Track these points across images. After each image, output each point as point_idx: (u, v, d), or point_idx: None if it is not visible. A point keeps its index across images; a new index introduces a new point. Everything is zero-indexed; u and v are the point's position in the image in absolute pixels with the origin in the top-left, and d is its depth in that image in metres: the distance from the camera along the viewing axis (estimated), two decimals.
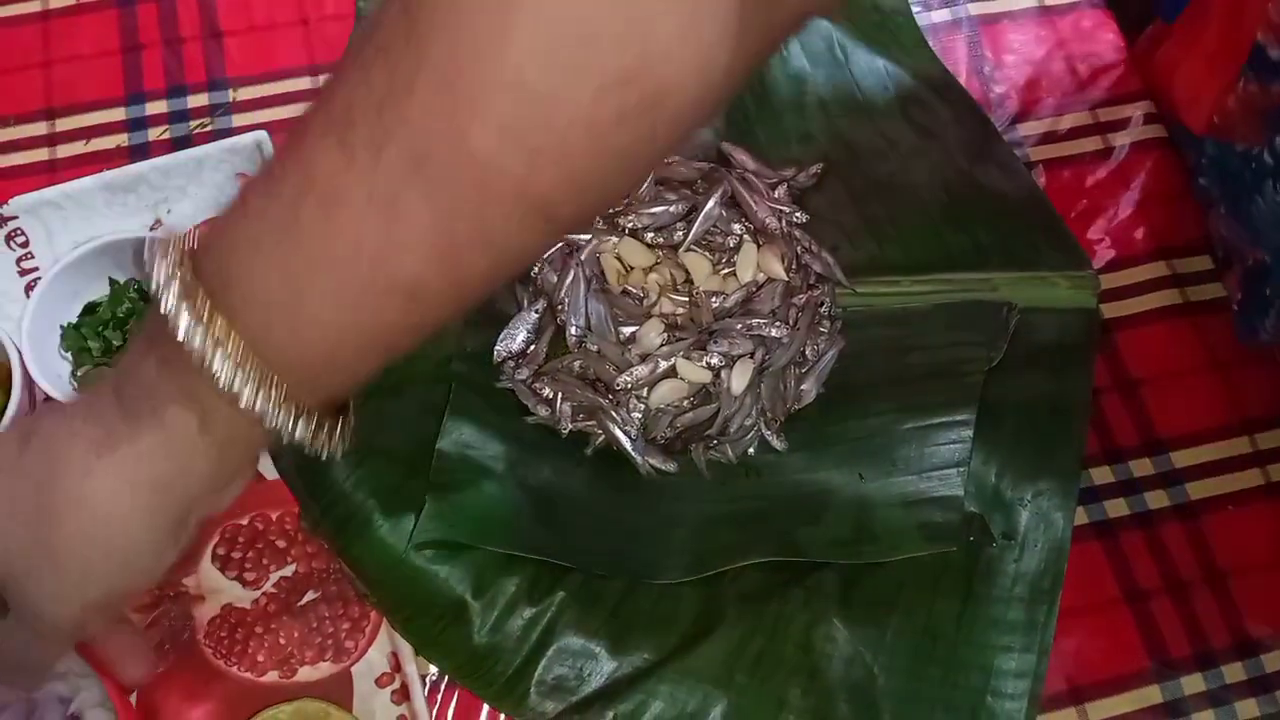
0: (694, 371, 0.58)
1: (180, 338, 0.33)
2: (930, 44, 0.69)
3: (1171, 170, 0.68)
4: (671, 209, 0.62)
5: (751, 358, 0.59)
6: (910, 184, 0.64)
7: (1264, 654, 0.57)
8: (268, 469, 0.58)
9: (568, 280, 0.60)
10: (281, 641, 0.56)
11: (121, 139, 0.67)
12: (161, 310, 0.33)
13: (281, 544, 0.58)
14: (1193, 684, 0.56)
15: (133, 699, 0.54)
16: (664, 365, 0.58)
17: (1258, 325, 0.57)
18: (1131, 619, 0.57)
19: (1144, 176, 0.68)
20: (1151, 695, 0.56)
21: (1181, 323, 0.64)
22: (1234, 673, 0.56)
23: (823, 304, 0.61)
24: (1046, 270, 0.61)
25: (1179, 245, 0.66)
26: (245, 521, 0.58)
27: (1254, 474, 0.60)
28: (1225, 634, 0.57)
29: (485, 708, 0.54)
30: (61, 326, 0.59)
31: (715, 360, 0.58)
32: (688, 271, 0.62)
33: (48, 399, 0.58)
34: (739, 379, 0.58)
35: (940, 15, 0.72)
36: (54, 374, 0.57)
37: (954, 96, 0.66)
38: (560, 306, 0.61)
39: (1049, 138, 0.69)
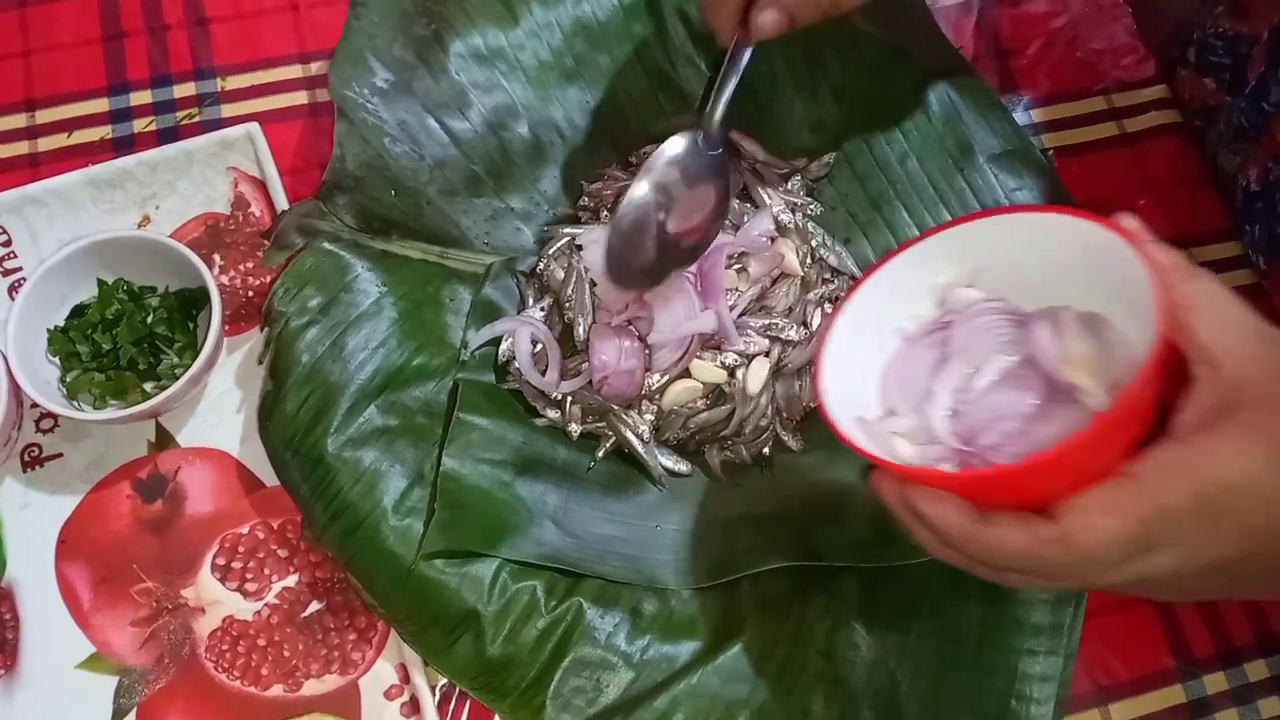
0: (708, 372, 0.57)
1: None
2: (943, 28, 0.67)
3: (1189, 156, 0.67)
4: None
5: (767, 356, 0.57)
6: (925, 173, 0.62)
7: None
8: (268, 476, 0.56)
9: (572, 278, 0.59)
10: (286, 654, 0.54)
11: (105, 131, 0.64)
12: None
13: (283, 553, 0.56)
14: (1215, 682, 0.55)
15: (131, 718, 0.52)
16: (678, 366, 0.57)
17: None
18: (1155, 618, 0.56)
19: (1161, 162, 0.67)
20: (1175, 695, 0.55)
21: None
22: (1257, 670, 0.56)
23: (837, 299, 0.60)
24: None
25: (1199, 232, 0.65)
26: (245, 530, 0.56)
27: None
28: (1248, 632, 0.56)
29: (497, 718, 0.53)
30: (48, 330, 0.56)
31: (730, 359, 0.56)
32: None
33: (35, 405, 0.56)
34: (755, 379, 0.56)
35: None
36: (41, 380, 0.55)
37: (968, 82, 0.64)
38: (567, 304, 0.59)
39: (1063, 123, 0.68)
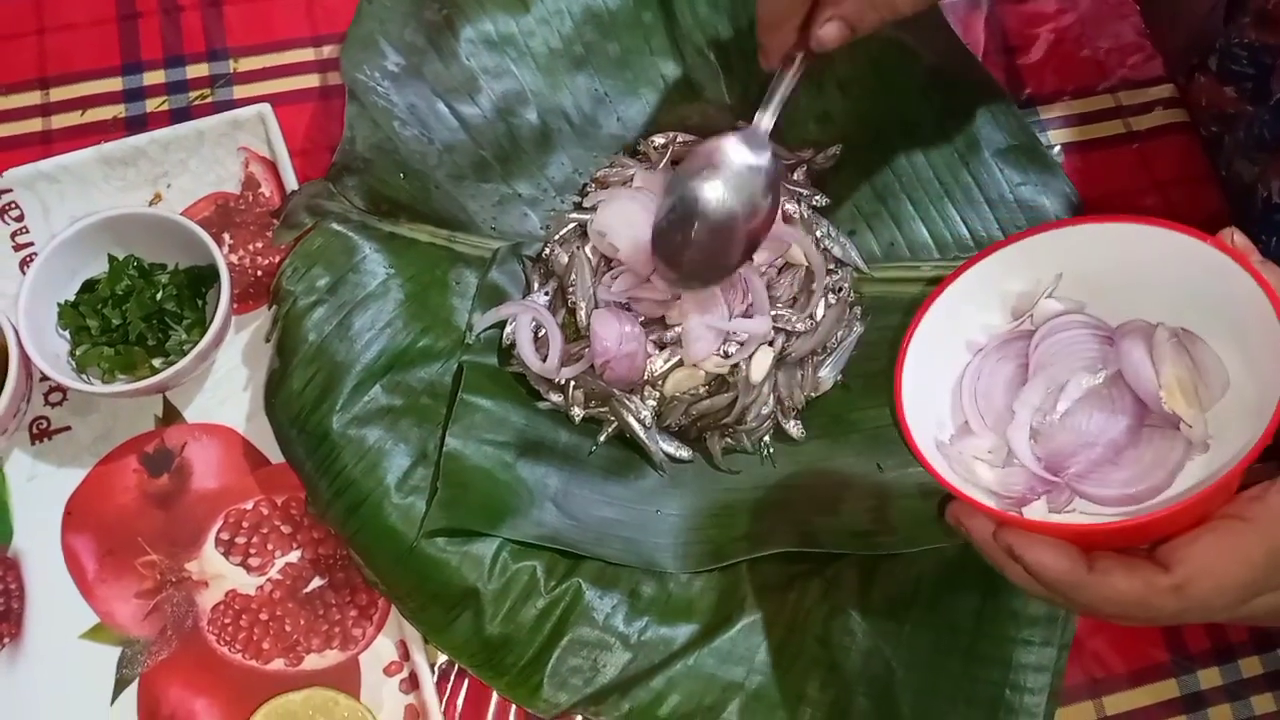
0: (711, 362, 0.57)
1: None
2: (951, 23, 0.67)
3: (1194, 155, 0.67)
4: None
5: (771, 345, 0.57)
6: (930, 166, 0.62)
7: None
8: (273, 453, 0.57)
9: (576, 264, 0.59)
10: (287, 629, 0.55)
11: (118, 110, 0.64)
12: None
13: (286, 529, 0.56)
14: (1210, 678, 0.56)
15: (134, 688, 0.53)
16: (680, 354, 0.57)
17: None
18: None
19: (1166, 161, 0.67)
20: (1169, 689, 0.55)
21: None
22: (1251, 667, 0.56)
23: (840, 289, 0.60)
24: None
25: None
26: (249, 506, 0.57)
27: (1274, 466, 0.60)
28: (1243, 629, 0.56)
29: (495, 697, 0.53)
30: (59, 304, 0.57)
31: (733, 350, 0.57)
32: None
33: (44, 378, 0.56)
34: (758, 368, 0.57)
35: None
36: (51, 353, 0.55)
37: (975, 77, 0.64)
38: (570, 289, 0.59)
39: (1070, 120, 0.68)
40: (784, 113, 0.52)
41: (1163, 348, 0.39)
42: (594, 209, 0.60)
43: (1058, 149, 0.67)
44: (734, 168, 0.52)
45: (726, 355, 0.57)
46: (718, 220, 0.52)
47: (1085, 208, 0.62)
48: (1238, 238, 0.37)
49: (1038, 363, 0.41)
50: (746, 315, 0.57)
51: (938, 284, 0.42)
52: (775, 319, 0.57)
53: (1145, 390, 0.39)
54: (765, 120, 0.52)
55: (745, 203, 0.52)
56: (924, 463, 0.38)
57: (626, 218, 0.57)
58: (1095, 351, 0.41)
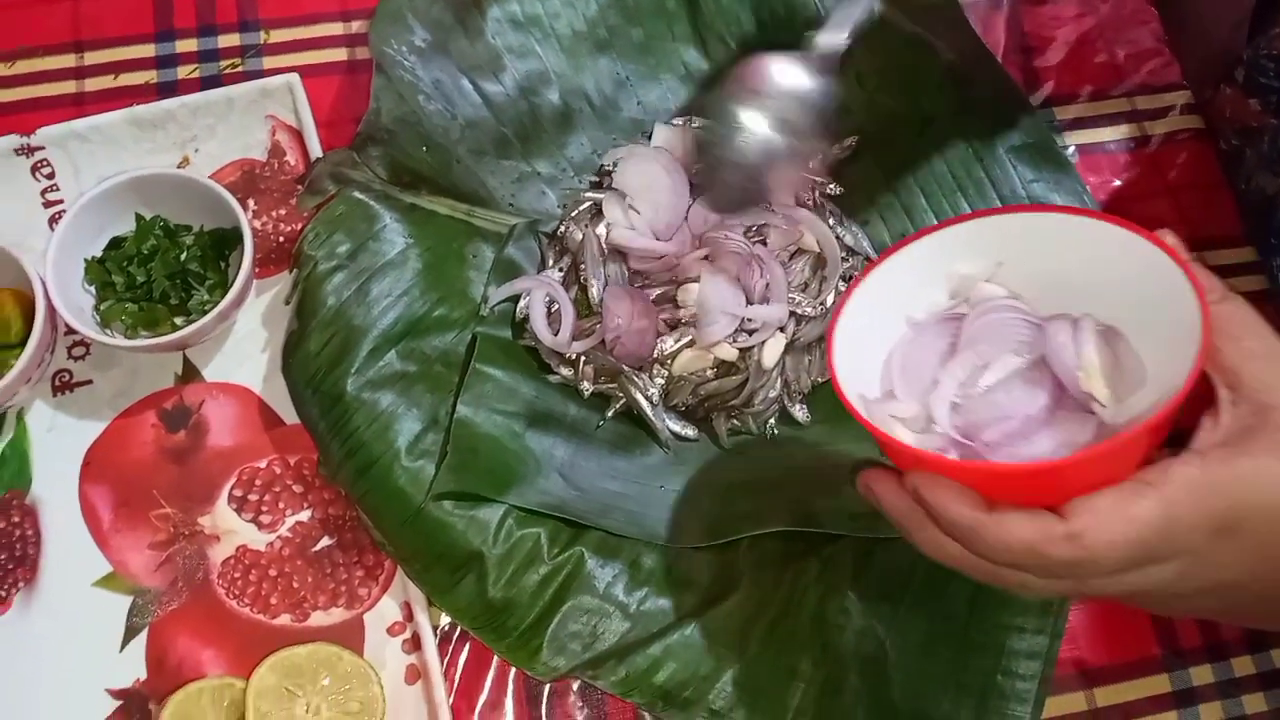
0: (722, 349, 0.58)
1: None
2: (971, 22, 0.68)
3: (1207, 162, 0.68)
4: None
5: (783, 331, 0.58)
6: (945, 161, 0.63)
7: (1274, 649, 0.57)
8: (288, 414, 0.58)
9: (589, 241, 0.60)
10: (295, 585, 0.56)
11: (150, 75, 0.66)
12: None
13: (298, 489, 0.58)
14: (1202, 675, 0.56)
15: (143, 636, 0.54)
16: (690, 335, 0.58)
17: None
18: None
19: (1179, 166, 0.68)
20: (1160, 684, 0.56)
21: None
22: (1243, 666, 0.57)
23: (851, 277, 0.61)
24: None
25: (1212, 236, 0.66)
26: (263, 465, 0.58)
27: None
28: (1237, 627, 0.57)
29: (496, 660, 0.54)
30: (85, 260, 0.58)
31: (744, 339, 0.58)
32: None
33: (69, 330, 0.58)
34: (770, 353, 0.58)
35: None
36: (77, 307, 0.57)
37: (992, 75, 0.65)
38: (582, 266, 0.60)
39: (1085, 122, 0.69)
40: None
41: (1087, 336, 0.40)
42: (614, 165, 0.61)
43: (1072, 149, 0.68)
44: (783, 90, 0.49)
45: (738, 341, 0.58)
46: (755, 148, 0.50)
47: (1097, 209, 0.63)
48: (1170, 236, 0.39)
49: (967, 339, 0.43)
50: (763, 300, 0.58)
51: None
52: (790, 301, 0.58)
53: (1065, 369, 0.40)
54: (827, 39, 0.47)
55: (789, 133, 0.49)
56: (847, 403, 0.39)
57: (647, 178, 0.59)
58: (1025, 335, 0.42)
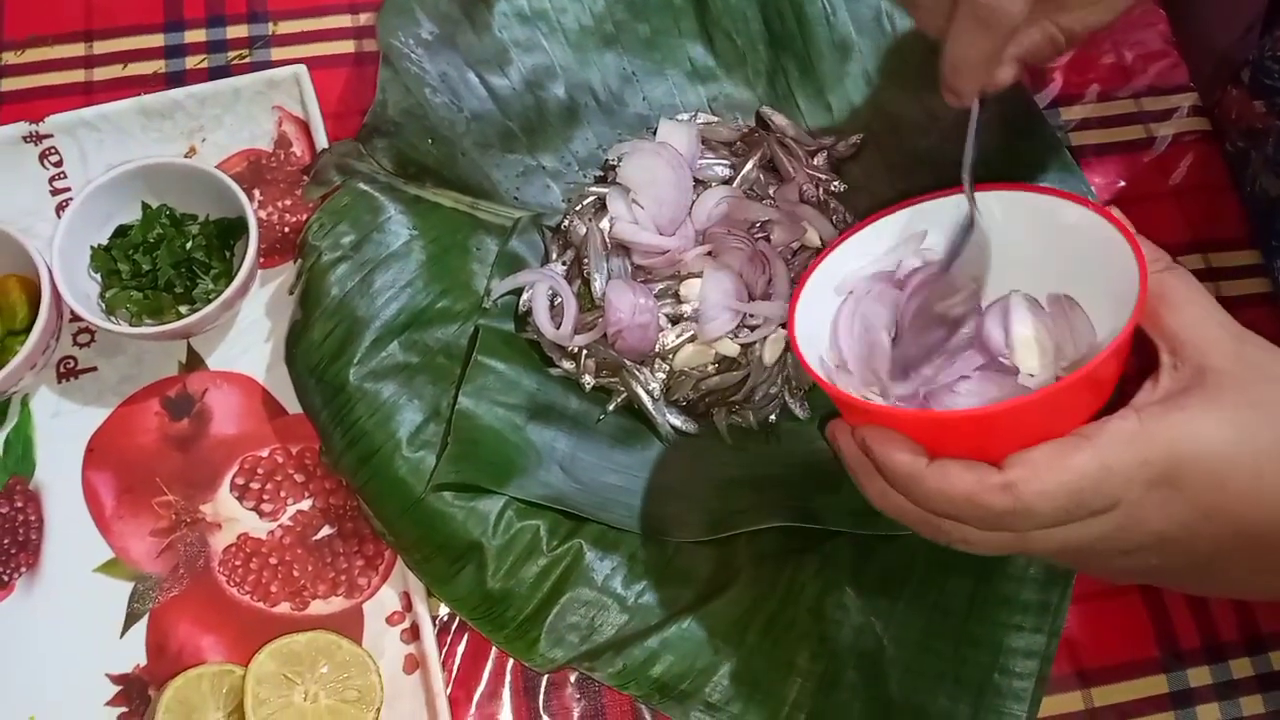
0: (724, 345, 0.58)
1: None
2: None
3: (1213, 164, 0.68)
4: (711, 169, 0.62)
5: (784, 327, 0.58)
6: (949, 159, 0.63)
7: (1272, 651, 0.57)
8: (290, 404, 0.58)
9: (592, 235, 0.60)
10: (295, 574, 0.56)
11: (159, 65, 0.66)
12: None
13: (300, 478, 0.58)
14: (1199, 676, 0.56)
15: (144, 622, 0.55)
16: (692, 330, 0.58)
17: None
18: (1143, 607, 0.57)
19: (1185, 168, 0.68)
20: (1158, 685, 0.56)
21: None
22: (1241, 668, 0.57)
23: None
24: None
25: (1216, 239, 0.66)
26: (265, 454, 0.58)
27: None
28: (1235, 629, 0.57)
29: (494, 651, 0.55)
30: (91, 248, 0.59)
31: (746, 336, 0.58)
32: None
33: (75, 317, 0.58)
34: (771, 349, 0.58)
35: None
36: (82, 294, 0.57)
37: None
38: (585, 260, 0.60)
39: (1091, 123, 0.69)
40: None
41: (1017, 311, 0.42)
42: (618, 160, 0.61)
43: (1078, 150, 0.67)
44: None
45: (739, 336, 0.58)
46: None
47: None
48: (1117, 211, 0.40)
49: (906, 312, 0.45)
50: (765, 296, 0.58)
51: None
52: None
53: (994, 346, 0.43)
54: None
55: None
56: (800, 356, 0.42)
57: (651, 173, 0.59)
58: (960, 306, 0.44)
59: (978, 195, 0.44)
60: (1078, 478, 0.36)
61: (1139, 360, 0.40)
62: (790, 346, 0.42)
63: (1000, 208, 0.44)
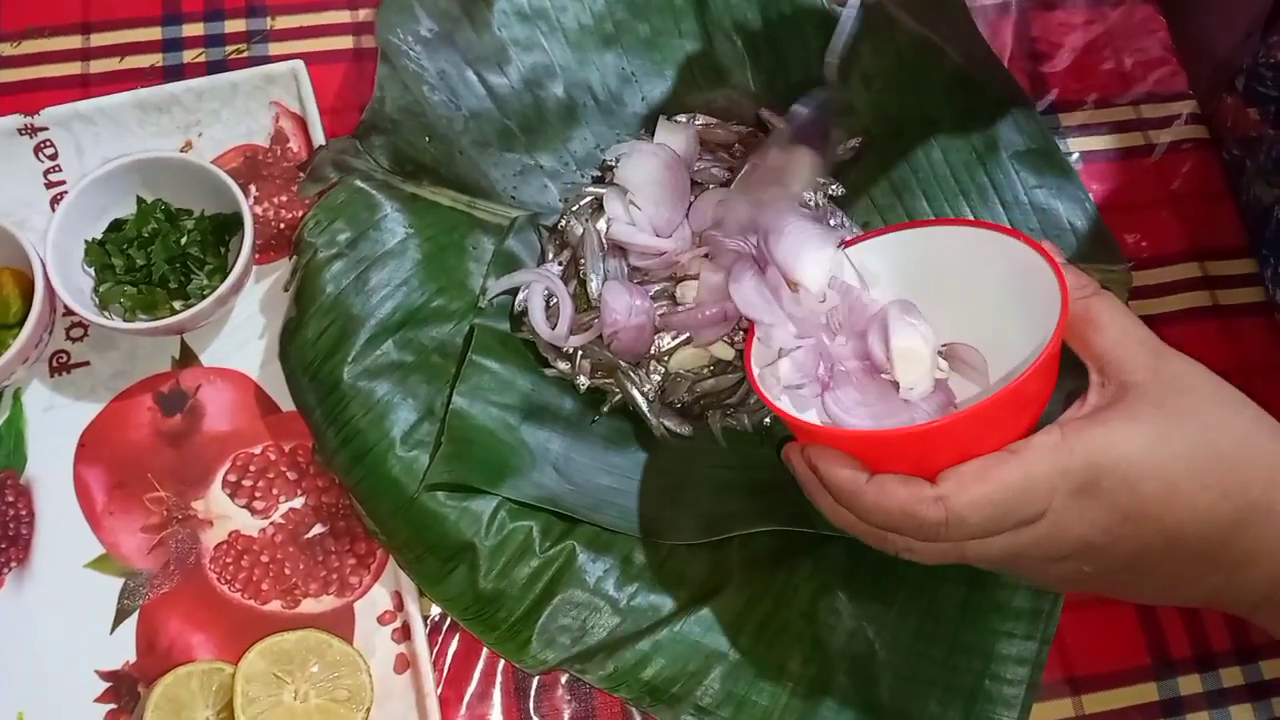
0: (720, 348, 0.58)
1: None
2: (979, 27, 0.68)
3: (1212, 172, 0.68)
4: (710, 171, 0.62)
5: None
6: (948, 164, 0.63)
7: (1263, 660, 0.57)
8: (284, 401, 0.58)
9: (588, 235, 0.60)
10: (286, 572, 0.56)
11: (156, 59, 0.66)
12: None
13: (292, 476, 0.58)
14: (1190, 684, 0.56)
15: (134, 619, 0.54)
16: (688, 332, 0.58)
17: None
18: (1135, 616, 0.57)
19: (1183, 176, 0.67)
20: (1148, 693, 0.56)
21: (1210, 325, 0.63)
22: (1232, 677, 0.57)
23: None
24: (1080, 262, 0.60)
25: (1214, 247, 0.66)
26: (258, 451, 0.58)
27: None
28: (1227, 638, 0.57)
29: (485, 652, 0.55)
30: (86, 242, 0.58)
31: (741, 338, 0.58)
32: None
33: (68, 312, 0.58)
34: None
35: None
36: (76, 288, 0.57)
37: (998, 80, 0.65)
38: (582, 261, 0.60)
39: (1089, 129, 0.69)
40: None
41: (897, 322, 0.46)
42: (616, 161, 0.61)
43: (1076, 156, 0.67)
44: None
45: (735, 339, 0.58)
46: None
47: (1100, 215, 0.63)
48: (1050, 245, 0.43)
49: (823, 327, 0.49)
50: None
51: None
52: None
53: (876, 357, 0.46)
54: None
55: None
56: (751, 379, 0.46)
57: (649, 174, 0.59)
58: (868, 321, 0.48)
59: (920, 231, 0.48)
60: (1002, 488, 0.38)
61: (1073, 382, 0.42)
62: (745, 365, 0.47)
63: (938, 241, 0.47)
